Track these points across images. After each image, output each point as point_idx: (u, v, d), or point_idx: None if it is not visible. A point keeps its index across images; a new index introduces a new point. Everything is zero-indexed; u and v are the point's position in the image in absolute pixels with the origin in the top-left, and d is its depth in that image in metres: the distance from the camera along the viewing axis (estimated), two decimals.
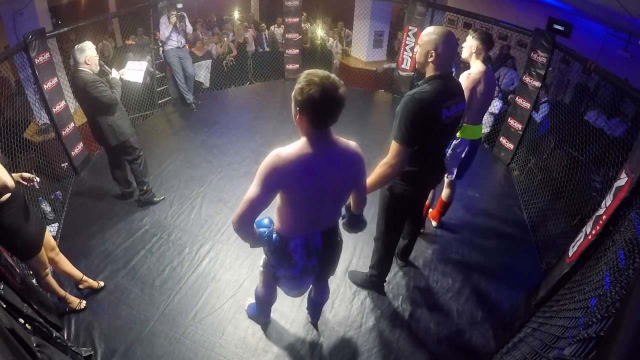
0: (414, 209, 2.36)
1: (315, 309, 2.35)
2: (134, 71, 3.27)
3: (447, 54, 1.75)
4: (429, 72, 1.81)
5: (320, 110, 1.31)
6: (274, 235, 1.62)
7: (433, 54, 1.74)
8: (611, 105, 4.46)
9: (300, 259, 1.64)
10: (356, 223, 1.85)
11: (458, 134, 2.66)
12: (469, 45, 2.57)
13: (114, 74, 3.04)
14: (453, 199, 3.04)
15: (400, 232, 2.41)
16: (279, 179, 1.36)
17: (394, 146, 1.79)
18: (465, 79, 2.47)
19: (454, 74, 1.92)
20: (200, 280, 2.71)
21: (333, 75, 1.31)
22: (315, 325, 2.43)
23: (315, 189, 1.42)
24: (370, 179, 1.84)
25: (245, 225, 1.44)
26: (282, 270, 1.71)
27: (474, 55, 2.56)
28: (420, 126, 1.74)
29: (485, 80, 2.54)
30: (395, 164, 1.81)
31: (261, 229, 1.59)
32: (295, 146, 1.38)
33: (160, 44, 5.01)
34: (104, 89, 2.84)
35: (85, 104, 2.94)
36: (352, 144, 1.50)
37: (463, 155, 2.71)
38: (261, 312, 2.34)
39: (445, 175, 2.80)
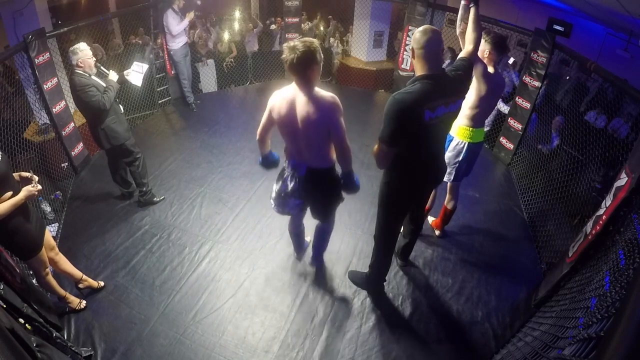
0: (413, 207, 2.35)
1: (317, 240, 2.62)
2: (136, 73, 3.25)
3: (432, 53, 1.75)
4: (417, 71, 1.82)
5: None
6: (277, 155, 2.27)
7: (414, 51, 1.76)
8: (611, 105, 4.45)
9: (287, 177, 2.14)
10: (347, 182, 2.10)
11: (459, 137, 2.62)
12: (481, 50, 2.44)
13: (112, 76, 3.00)
14: (456, 206, 2.97)
15: (399, 231, 2.42)
16: (268, 109, 1.97)
17: (378, 143, 1.86)
18: (481, 76, 2.39)
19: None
20: (200, 280, 2.71)
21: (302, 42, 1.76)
22: (318, 267, 2.78)
23: (285, 123, 1.92)
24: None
25: (258, 138, 2.13)
26: (276, 184, 2.22)
27: (485, 60, 2.45)
28: (400, 127, 1.76)
29: (493, 86, 2.47)
30: (377, 159, 1.91)
31: (273, 152, 2.26)
32: (287, 87, 1.91)
33: (166, 43, 4.89)
34: (93, 93, 2.80)
35: (79, 106, 2.93)
36: (327, 95, 1.85)
37: (460, 158, 2.65)
38: (294, 245, 2.75)
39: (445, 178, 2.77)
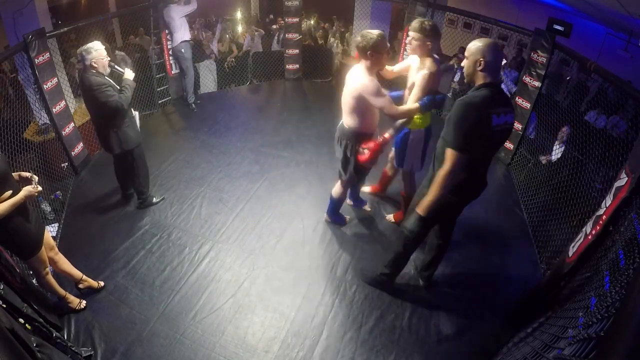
0: (448, 218, 2.33)
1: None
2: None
3: (494, 63, 1.84)
4: (478, 80, 1.87)
5: None
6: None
7: (482, 62, 1.80)
8: (611, 105, 4.46)
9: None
10: (428, 103, 2.37)
11: (409, 126, 2.61)
12: (422, 41, 2.38)
13: (127, 74, 2.88)
14: (412, 195, 2.86)
15: (424, 237, 2.35)
16: None
17: (448, 152, 1.85)
18: (427, 80, 2.36)
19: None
20: (200, 280, 2.71)
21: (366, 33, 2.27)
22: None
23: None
24: (431, 189, 1.96)
25: None
26: None
27: (426, 52, 2.41)
28: (471, 130, 1.79)
29: (438, 75, 2.48)
30: (451, 170, 1.87)
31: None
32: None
33: (169, 41, 4.85)
34: (111, 93, 2.70)
35: (91, 107, 2.83)
36: (367, 80, 2.27)
37: (423, 144, 2.75)
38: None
39: (398, 165, 2.92)
